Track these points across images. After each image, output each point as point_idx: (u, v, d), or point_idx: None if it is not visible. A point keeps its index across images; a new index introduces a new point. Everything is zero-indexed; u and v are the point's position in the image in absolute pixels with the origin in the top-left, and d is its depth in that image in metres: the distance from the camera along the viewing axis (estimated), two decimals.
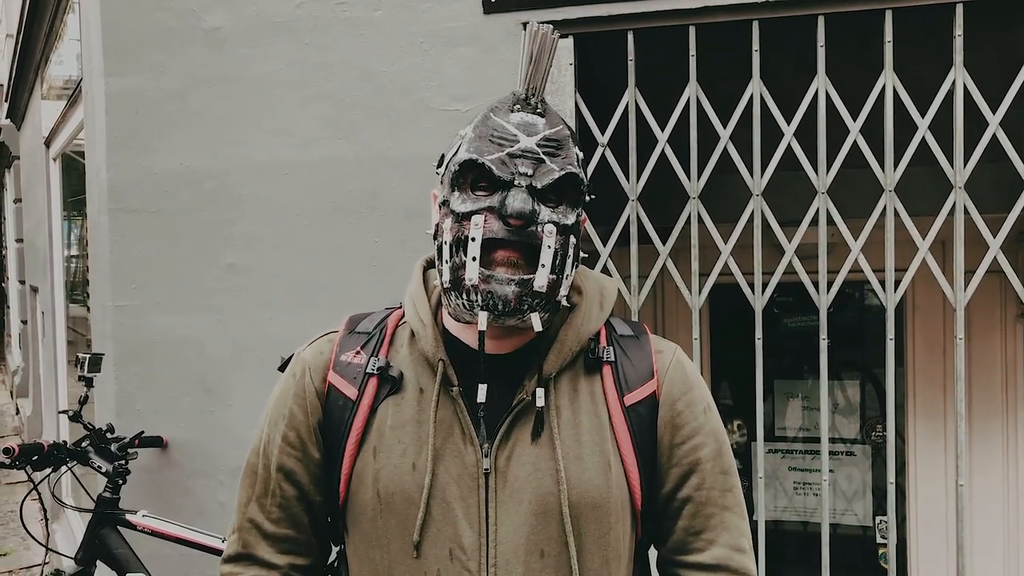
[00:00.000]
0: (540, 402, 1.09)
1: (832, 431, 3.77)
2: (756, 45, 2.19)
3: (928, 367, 3.52)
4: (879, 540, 3.63)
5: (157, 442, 2.62)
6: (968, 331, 3.22)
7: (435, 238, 1.15)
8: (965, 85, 2.10)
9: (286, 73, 2.50)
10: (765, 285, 2.22)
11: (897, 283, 2.14)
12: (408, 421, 1.13)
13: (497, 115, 1.11)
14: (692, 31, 2.22)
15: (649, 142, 2.28)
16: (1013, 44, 2.53)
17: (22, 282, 8.05)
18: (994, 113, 2.08)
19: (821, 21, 2.16)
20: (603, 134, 2.29)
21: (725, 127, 2.23)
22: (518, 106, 1.10)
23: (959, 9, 2.09)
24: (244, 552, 1.20)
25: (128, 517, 2.54)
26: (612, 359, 1.17)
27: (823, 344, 2.19)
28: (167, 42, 2.59)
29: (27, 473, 2.58)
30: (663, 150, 2.26)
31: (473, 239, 1.05)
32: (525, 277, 1.06)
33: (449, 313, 1.16)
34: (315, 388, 1.19)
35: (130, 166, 2.64)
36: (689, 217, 2.25)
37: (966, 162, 2.10)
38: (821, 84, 2.17)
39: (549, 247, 1.06)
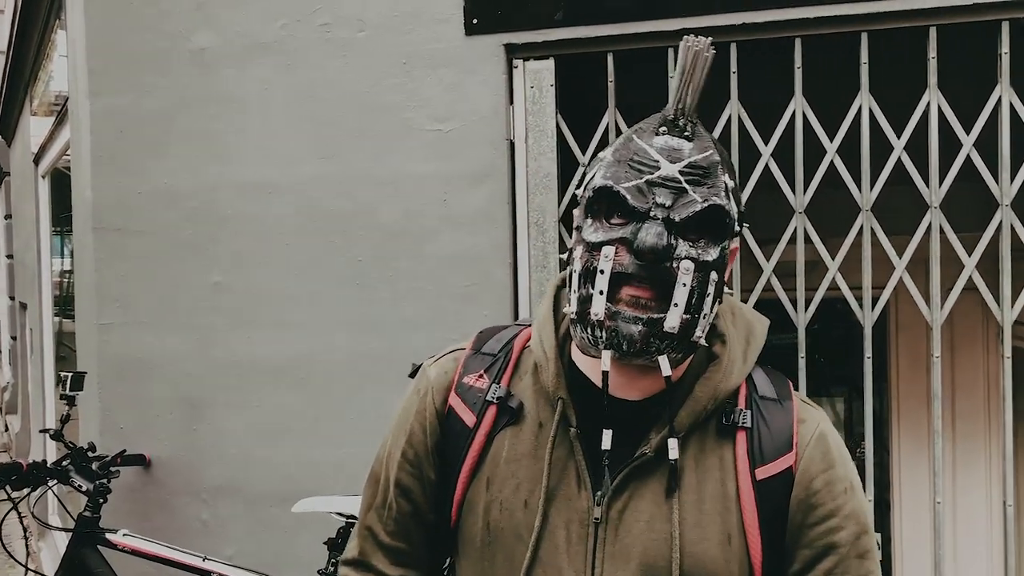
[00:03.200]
0: (673, 455, 1.01)
1: None
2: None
3: (912, 384, 3.53)
4: None
5: (140, 460, 2.62)
6: (952, 348, 3.24)
7: (567, 264, 1.07)
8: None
9: (271, 93, 2.51)
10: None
11: (875, 301, 2.16)
12: (524, 455, 1.09)
13: (640, 137, 1.01)
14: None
15: None
16: None
17: (12, 298, 8.04)
18: None
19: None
20: (584, 154, 2.30)
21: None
22: (664, 128, 1.00)
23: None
24: (360, 559, 1.20)
25: (108, 536, 2.53)
26: (748, 425, 1.06)
27: (802, 362, 2.21)
28: (153, 62, 2.60)
29: (7, 492, 2.57)
30: None
31: (601, 271, 0.98)
32: (655, 316, 0.97)
33: (576, 345, 1.09)
34: (436, 409, 1.16)
35: (115, 185, 2.65)
36: None
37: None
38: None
39: (684, 285, 0.97)
